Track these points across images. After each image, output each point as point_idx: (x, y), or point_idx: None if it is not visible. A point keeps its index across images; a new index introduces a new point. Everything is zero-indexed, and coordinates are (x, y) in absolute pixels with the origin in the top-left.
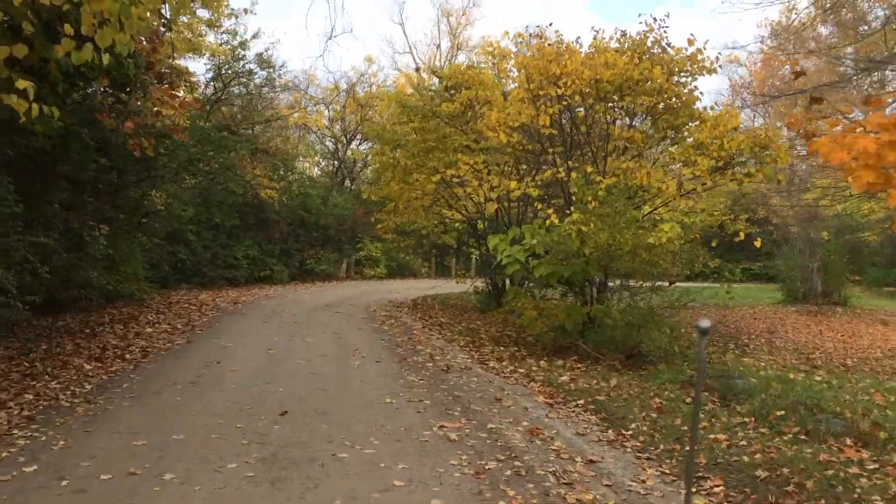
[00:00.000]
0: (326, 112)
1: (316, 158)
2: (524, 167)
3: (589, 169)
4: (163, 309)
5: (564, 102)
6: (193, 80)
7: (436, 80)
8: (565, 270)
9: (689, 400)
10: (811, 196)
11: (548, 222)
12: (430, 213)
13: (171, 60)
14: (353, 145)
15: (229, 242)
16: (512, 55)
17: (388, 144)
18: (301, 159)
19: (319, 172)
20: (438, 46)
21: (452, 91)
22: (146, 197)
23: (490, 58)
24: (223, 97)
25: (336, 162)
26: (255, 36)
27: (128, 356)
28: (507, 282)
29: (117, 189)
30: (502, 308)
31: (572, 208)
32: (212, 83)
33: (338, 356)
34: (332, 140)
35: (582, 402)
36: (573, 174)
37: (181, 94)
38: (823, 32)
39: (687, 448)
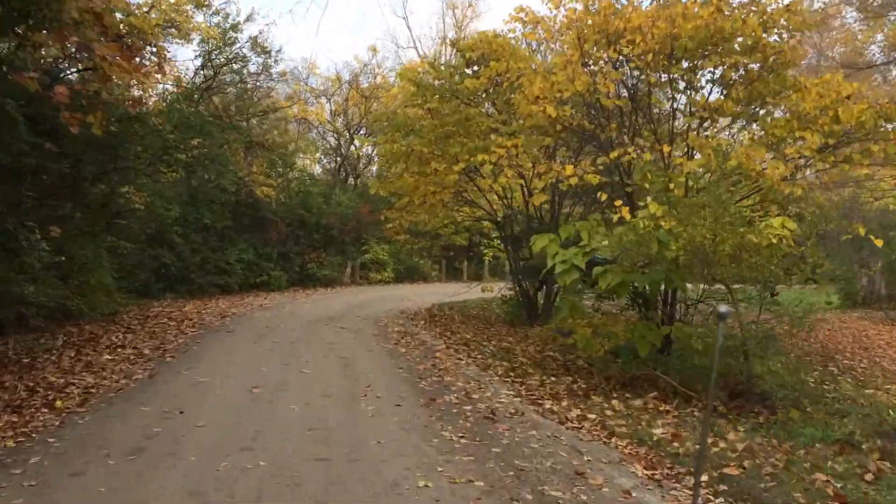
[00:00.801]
0: (328, 105)
1: (317, 155)
2: (565, 151)
3: (666, 149)
4: (135, 326)
5: (632, 64)
6: (162, 47)
7: (450, 59)
8: (641, 280)
9: (869, 477)
10: None
11: (616, 217)
12: (449, 209)
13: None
14: (357, 141)
15: (221, 245)
16: (548, 19)
17: (398, 130)
18: (301, 156)
19: (321, 170)
20: (444, 40)
21: (476, 67)
22: (117, 193)
23: (521, 25)
24: (214, 85)
25: (339, 158)
26: (248, 18)
27: (60, 402)
28: (551, 290)
29: (74, 182)
30: (549, 324)
31: (648, 199)
32: (201, 71)
33: (344, 396)
34: (335, 135)
35: (706, 477)
36: (646, 154)
37: (149, 64)
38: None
39: None
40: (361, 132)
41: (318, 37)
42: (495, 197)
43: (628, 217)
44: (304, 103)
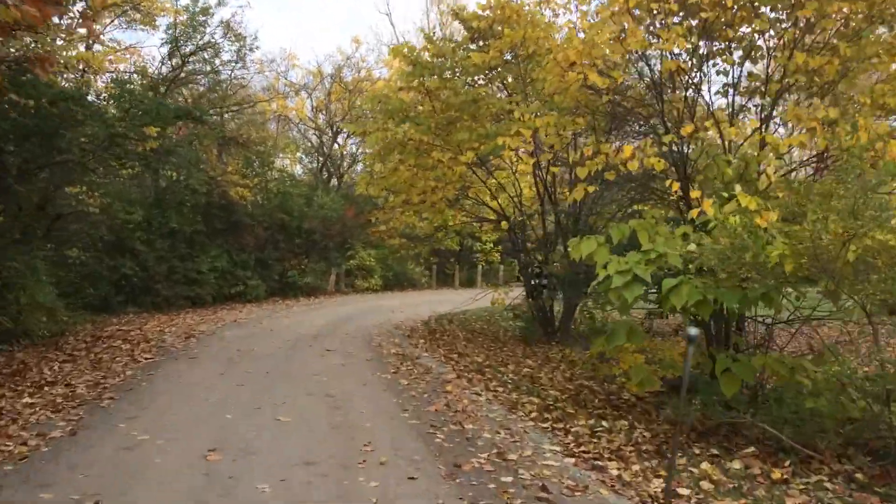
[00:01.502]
0: (308, 101)
1: (298, 154)
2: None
3: (752, 125)
4: (80, 351)
5: (703, 14)
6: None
7: (449, 34)
8: (729, 298)
9: None
10: None
11: (692, 214)
12: (456, 207)
13: None
14: (341, 136)
15: (191, 253)
16: None
17: (392, 117)
18: (280, 155)
19: (302, 170)
20: (441, 14)
21: (481, 42)
22: (60, 193)
23: None
24: (182, 76)
25: (321, 158)
26: (220, 2)
27: None
28: (571, 302)
29: None
30: (592, 352)
31: (738, 187)
32: (168, 60)
33: (335, 464)
34: (316, 133)
35: None
36: (732, 129)
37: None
38: None
39: None
40: (345, 135)
41: (306, 35)
42: (503, 194)
43: (711, 212)
44: (284, 98)
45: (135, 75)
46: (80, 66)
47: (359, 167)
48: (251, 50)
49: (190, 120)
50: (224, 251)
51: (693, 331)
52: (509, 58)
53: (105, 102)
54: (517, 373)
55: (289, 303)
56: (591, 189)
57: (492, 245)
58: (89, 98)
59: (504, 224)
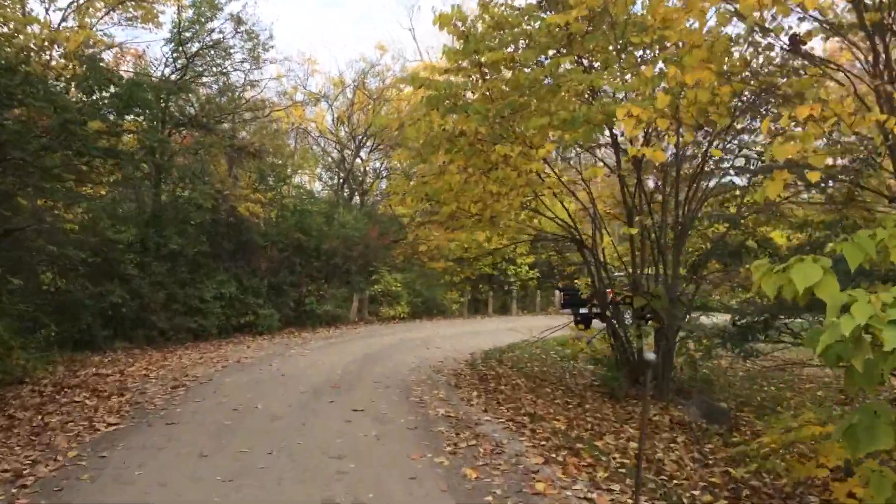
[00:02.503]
0: (329, 112)
1: (317, 170)
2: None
3: None
4: (27, 409)
5: None
6: None
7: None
8: None
9: None
10: None
11: None
12: (524, 218)
13: None
14: (364, 153)
15: (193, 278)
16: None
17: (437, 105)
18: (297, 173)
19: (321, 187)
20: None
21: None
22: (11, 204)
23: None
24: (188, 78)
25: (342, 174)
26: None
27: None
28: (670, 343)
29: None
30: (770, 442)
31: None
32: (173, 62)
33: None
34: (337, 147)
35: None
36: None
37: None
38: None
39: None
40: (368, 149)
41: (322, 30)
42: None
43: None
44: (302, 108)
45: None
46: (47, 45)
47: (382, 184)
48: (265, 49)
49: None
50: (232, 276)
51: (650, 355)
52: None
53: (63, 83)
54: (622, 449)
55: (306, 335)
56: (778, 187)
57: (528, 268)
58: (55, 85)
59: (585, 238)
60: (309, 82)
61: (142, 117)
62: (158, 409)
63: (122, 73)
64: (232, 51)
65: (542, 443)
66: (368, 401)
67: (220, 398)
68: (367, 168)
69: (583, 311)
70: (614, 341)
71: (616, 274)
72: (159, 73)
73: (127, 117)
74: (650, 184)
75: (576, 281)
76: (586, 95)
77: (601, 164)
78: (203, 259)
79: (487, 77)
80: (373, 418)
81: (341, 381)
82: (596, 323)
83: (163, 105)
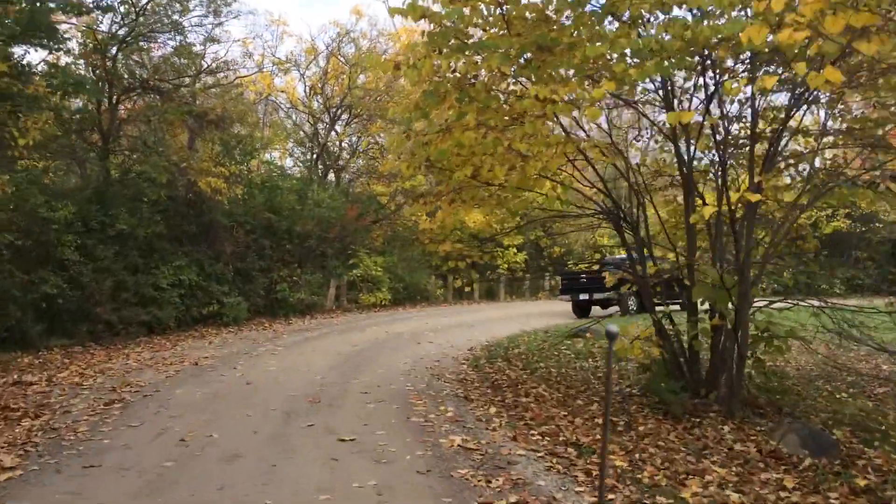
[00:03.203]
0: (300, 82)
1: (288, 145)
2: None
3: None
4: None
5: None
6: None
7: None
8: None
9: None
10: None
11: None
12: (564, 186)
13: None
14: (339, 126)
15: (146, 263)
16: None
17: (441, 44)
18: (267, 148)
19: (293, 164)
20: None
21: None
22: None
23: None
24: (141, 33)
25: (316, 149)
26: None
27: None
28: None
29: None
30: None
31: None
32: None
33: None
34: (310, 120)
35: None
36: None
37: None
38: None
39: None
40: (342, 120)
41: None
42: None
43: None
44: (271, 77)
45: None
46: None
47: (360, 162)
48: (227, 3)
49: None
50: (193, 260)
51: (613, 328)
52: None
53: None
54: (706, 494)
55: (278, 327)
56: None
57: (515, 250)
58: None
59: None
60: (279, 50)
61: (49, 51)
62: (80, 440)
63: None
64: (189, 2)
65: (610, 497)
66: (359, 423)
67: (165, 421)
68: (344, 143)
69: (583, 297)
70: (663, 342)
71: (656, 257)
72: (105, 28)
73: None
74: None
75: (574, 265)
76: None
77: (645, 120)
78: (158, 242)
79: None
80: (368, 455)
81: (321, 393)
82: (595, 310)
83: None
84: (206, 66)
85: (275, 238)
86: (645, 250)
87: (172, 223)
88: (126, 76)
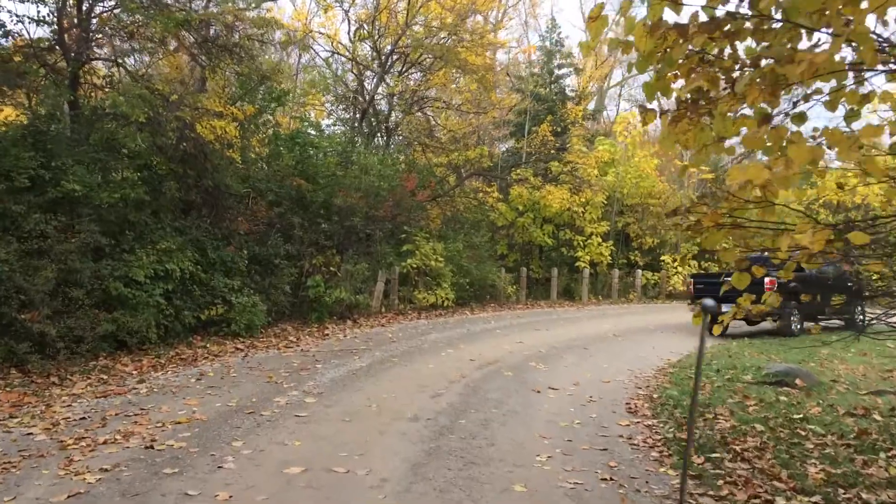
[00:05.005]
0: (344, 23)
1: (327, 99)
2: None
3: None
4: None
5: None
6: None
7: None
8: None
9: None
10: None
11: None
12: None
13: None
14: (390, 79)
15: (114, 244)
16: None
17: None
18: (302, 102)
19: (332, 122)
20: None
21: None
22: None
23: None
24: None
25: (363, 104)
26: None
27: None
28: None
29: None
30: None
31: None
32: None
33: None
34: (355, 71)
35: None
36: None
37: None
38: None
39: None
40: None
41: None
42: None
43: None
44: (306, 15)
45: None
46: None
47: (419, 115)
48: None
49: None
50: (189, 242)
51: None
52: None
53: None
54: None
55: (308, 341)
56: None
57: (600, 240)
58: None
59: None
60: None
61: None
62: None
63: None
64: None
65: None
66: None
67: None
68: (395, 97)
69: (726, 307)
70: None
71: None
72: None
73: None
74: None
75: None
76: None
77: None
78: (135, 213)
79: None
80: None
81: None
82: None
83: None
84: None
85: (307, 214)
86: None
87: (156, 188)
88: None
